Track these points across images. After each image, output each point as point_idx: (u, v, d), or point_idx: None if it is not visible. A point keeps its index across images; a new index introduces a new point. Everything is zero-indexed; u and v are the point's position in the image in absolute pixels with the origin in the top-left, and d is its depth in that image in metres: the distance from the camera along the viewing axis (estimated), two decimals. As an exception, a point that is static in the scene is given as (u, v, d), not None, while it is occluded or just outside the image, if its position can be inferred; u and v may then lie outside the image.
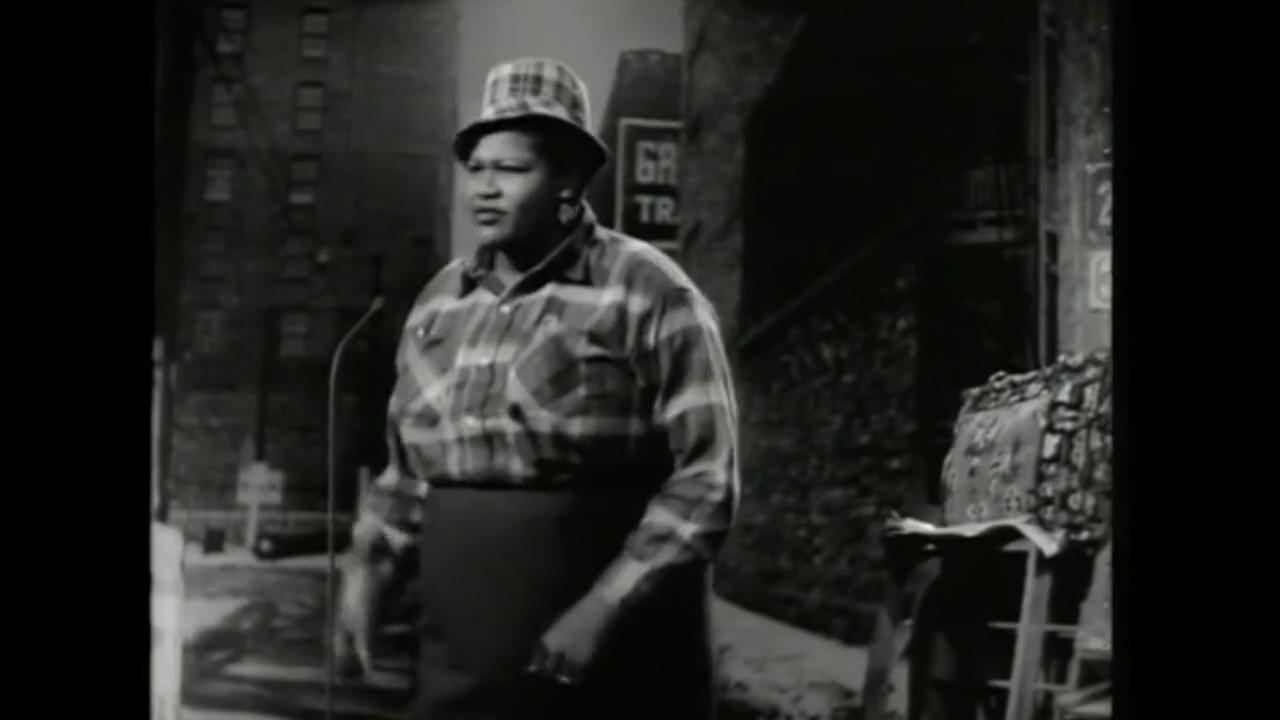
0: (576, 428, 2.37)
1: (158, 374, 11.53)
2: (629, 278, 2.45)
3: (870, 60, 12.16)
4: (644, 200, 25.49)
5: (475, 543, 2.41)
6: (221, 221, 26.24)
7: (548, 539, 2.38)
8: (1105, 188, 6.54)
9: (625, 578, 2.34)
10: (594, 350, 2.40)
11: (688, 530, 2.37)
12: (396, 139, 27.77)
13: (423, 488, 2.57)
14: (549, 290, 2.46)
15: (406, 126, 27.94)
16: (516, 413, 2.37)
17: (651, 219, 25.05)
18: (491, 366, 2.42)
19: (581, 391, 2.38)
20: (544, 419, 2.37)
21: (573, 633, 2.33)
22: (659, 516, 2.38)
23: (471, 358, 2.44)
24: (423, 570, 2.53)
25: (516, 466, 2.39)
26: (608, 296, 2.44)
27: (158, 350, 11.50)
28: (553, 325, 2.42)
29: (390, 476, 2.64)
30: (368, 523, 2.62)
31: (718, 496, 2.40)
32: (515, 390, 2.38)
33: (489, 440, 2.39)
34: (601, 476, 2.40)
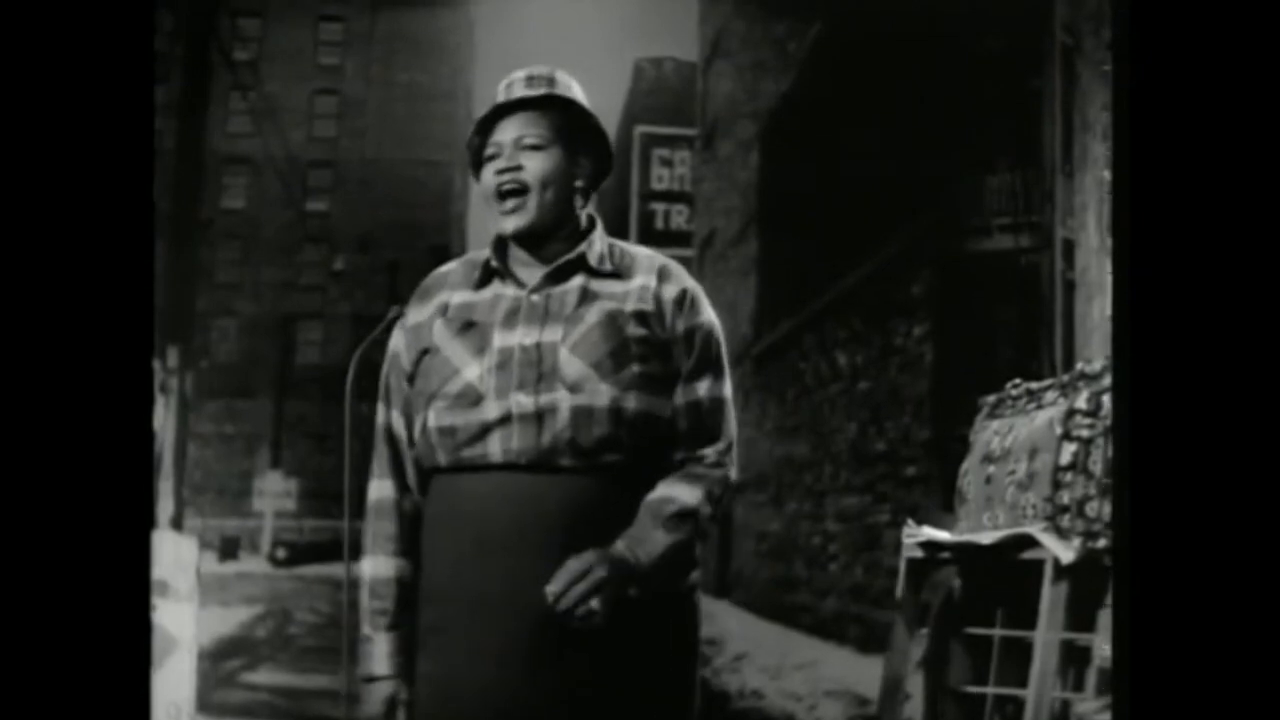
0: (632, 402, 2.42)
1: (173, 382, 11.55)
2: (653, 271, 2.53)
3: (885, 66, 12.15)
4: (659, 207, 25.53)
5: (506, 527, 2.38)
6: (237, 229, 26.32)
7: (585, 526, 2.37)
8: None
9: (655, 544, 2.38)
10: (641, 331, 2.46)
11: (705, 512, 2.45)
12: (412, 146, 27.84)
13: (415, 498, 2.53)
14: (579, 281, 2.50)
15: (422, 134, 28.01)
16: (576, 388, 2.39)
17: (666, 226, 25.09)
18: (538, 346, 2.43)
19: (635, 368, 2.43)
20: (603, 392, 2.40)
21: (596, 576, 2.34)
22: (682, 493, 2.44)
23: (511, 339, 2.44)
24: (431, 561, 2.47)
25: (565, 445, 2.39)
26: (638, 283, 2.51)
27: (173, 358, 11.52)
28: (602, 305, 2.47)
29: (385, 489, 2.55)
30: (382, 575, 2.51)
31: (726, 486, 2.50)
32: (571, 365, 2.41)
33: (540, 418, 2.39)
34: (641, 461, 2.43)
